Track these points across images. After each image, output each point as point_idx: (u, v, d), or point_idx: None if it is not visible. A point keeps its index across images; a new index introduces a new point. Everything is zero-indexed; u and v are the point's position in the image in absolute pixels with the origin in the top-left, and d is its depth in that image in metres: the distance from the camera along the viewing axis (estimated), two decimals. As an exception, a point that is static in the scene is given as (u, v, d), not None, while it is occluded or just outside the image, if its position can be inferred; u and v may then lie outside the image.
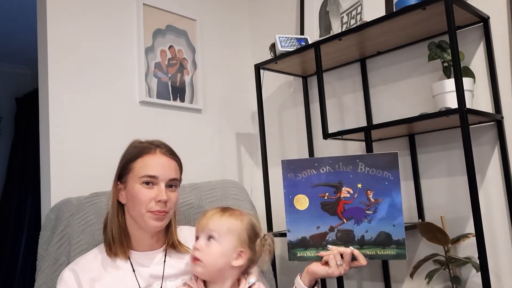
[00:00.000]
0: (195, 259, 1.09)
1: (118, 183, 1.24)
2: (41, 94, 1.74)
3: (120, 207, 1.24)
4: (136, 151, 1.22)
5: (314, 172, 1.15)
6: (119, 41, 1.92)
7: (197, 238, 1.13)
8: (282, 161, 1.18)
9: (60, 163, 1.68)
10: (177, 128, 2.08)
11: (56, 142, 1.68)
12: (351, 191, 1.12)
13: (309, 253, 1.14)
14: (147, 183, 1.18)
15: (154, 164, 1.19)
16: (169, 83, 2.06)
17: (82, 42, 1.81)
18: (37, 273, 1.38)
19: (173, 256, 1.26)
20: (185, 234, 1.32)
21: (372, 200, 1.11)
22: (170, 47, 2.09)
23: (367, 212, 1.11)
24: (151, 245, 1.24)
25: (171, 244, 1.26)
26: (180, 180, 1.27)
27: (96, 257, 1.23)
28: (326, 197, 1.14)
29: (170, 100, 2.05)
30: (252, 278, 1.14)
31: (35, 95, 1.98)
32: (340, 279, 1.95)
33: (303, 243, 1.15)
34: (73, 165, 1.70)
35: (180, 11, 2.15)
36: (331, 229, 1.13)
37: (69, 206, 1.44)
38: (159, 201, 1.17)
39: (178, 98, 2.09)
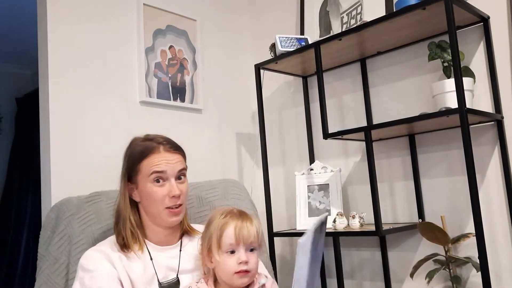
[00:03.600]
0: (245, 272, 1.11)
1: (129, 183, 1.26)
2: (41, 94, 1.74)
3: (133, 204, 1.27)
4: (140, 151, 1.24)
5: None
6: (119, 41, 1.92)
7: (232, 251, 1.12)
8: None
9: (60, 163, 1.67)
10: (177, 128, 2.08)
11: (56, 142, 1.68)
12: None
13: None
14: (158, 180, 1.21)
15: (160, 161, 1.21)
16: (169, 83, 2.06)
17: (82, 42, 1.81)
18: (37, 272, 1.38)
19: (187, 247, 1.29)
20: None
21: None
22: (170, 47, 2.09)
23: None
24: (167, 239, 1.27)
25: (185, 230, 1.32)
26: (186, 168, 1.29)
27: (111, 247, 1.23)
28: None
29: (170, 100, 2.05)
30: (262, 279, 1.17)
31: (35, 95, 1.98)
32: (340, 279, 1.96)
33: None
34: (73, 165, 1.70)
35: (180, 11, 2.15)
36: None
37: (69, 205, 1.44)
38: (173, 196, 1.21)
39: (178, 98, 2.09)
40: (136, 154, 1.24)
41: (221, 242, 1.12)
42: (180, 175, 1.25)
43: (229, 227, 1.13)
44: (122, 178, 1.27)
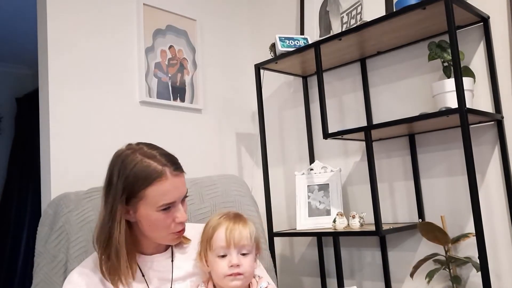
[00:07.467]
0: (237, 274, 1.10)
1: (125, 205, 1.12)
2: (41, 94, 1.74)
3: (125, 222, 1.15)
4: (144, 177, 1.10)
5: None
6: (119, 41, 1.92)
7: (224, 255, 1.11)
8: None
9: (60, 163, 1.68)
10: (177, 128, 2.08)
11: (56, 142, 1.68)
12: None
13: None
14: (166, 209, 1.12)
15: (169, 191, 1.11)
16: (169, 83, 2.06)
17: (82, 42, 1.81)
18: (34, 269, 1.36)
19: (178, 255, 1.24)
20: (190, 232, 1.27)
21: None
22: (170, 47, 2.09)
23: None
24: (158, 248, 1.22)
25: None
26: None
27: (94, 269, 1.16)
28: None
29: (170, 100, 2.05)
30: (263, 283, 1.15)
31: (35, 95, 1.98)
32: (340, 279, 1.96)
33: None
34: (73, 165, 1.70)
35: (180, 11, 2.15)
36: None
37: (67, 201, 1.42)
38: (180, 222, 1.14)
39: (178, 98, 2.09)
40: (138, 180, 1.10)
41: (212, 244, 1.11)
42: (184, 197, 1.18)
43: (221, 228, 1.12)
44: (117, 201, 1.10)
